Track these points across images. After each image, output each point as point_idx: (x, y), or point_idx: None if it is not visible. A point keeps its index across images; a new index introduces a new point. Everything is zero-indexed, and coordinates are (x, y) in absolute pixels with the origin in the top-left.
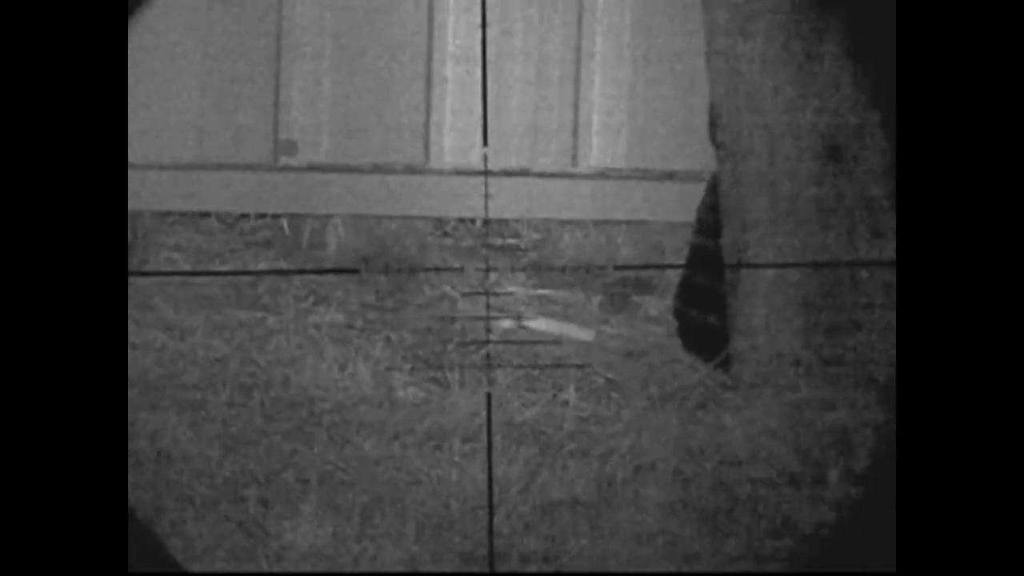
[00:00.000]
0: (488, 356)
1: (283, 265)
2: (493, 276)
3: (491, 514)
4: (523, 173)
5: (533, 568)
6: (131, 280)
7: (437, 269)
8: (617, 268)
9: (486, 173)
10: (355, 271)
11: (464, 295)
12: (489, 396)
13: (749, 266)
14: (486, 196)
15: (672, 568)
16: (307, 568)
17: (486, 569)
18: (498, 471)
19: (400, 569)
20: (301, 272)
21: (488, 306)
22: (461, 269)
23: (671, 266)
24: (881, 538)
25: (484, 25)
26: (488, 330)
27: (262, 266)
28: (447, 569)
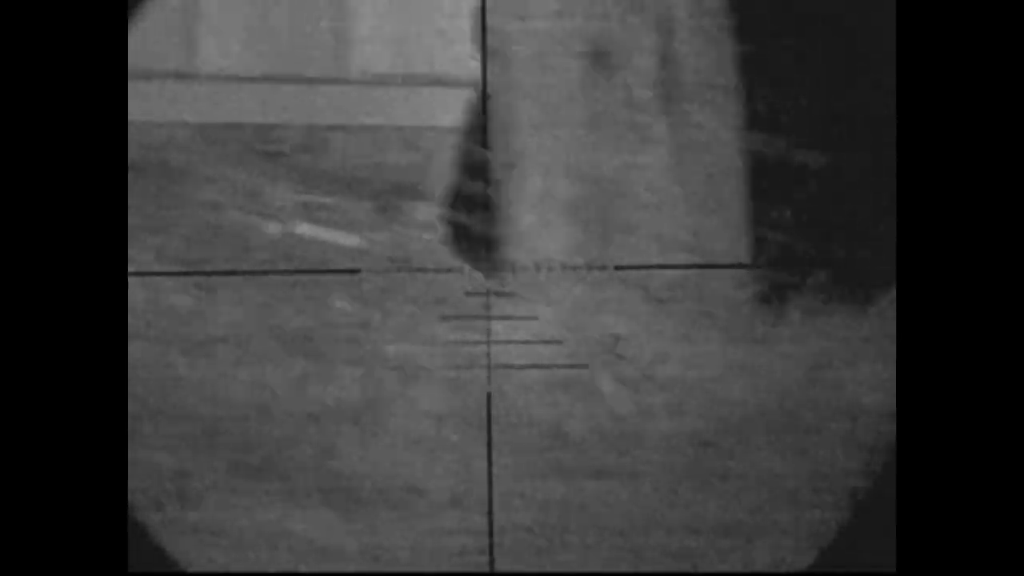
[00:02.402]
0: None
1: None
2: (259, 181)
3: (491, 514)
4: (293, 80)
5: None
6: None
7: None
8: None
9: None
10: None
11: (234, 203)
12: (489, 395)
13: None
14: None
15: (675, 568)
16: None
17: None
18: (262, 373)
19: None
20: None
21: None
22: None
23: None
24: (881, 538)
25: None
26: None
27: None
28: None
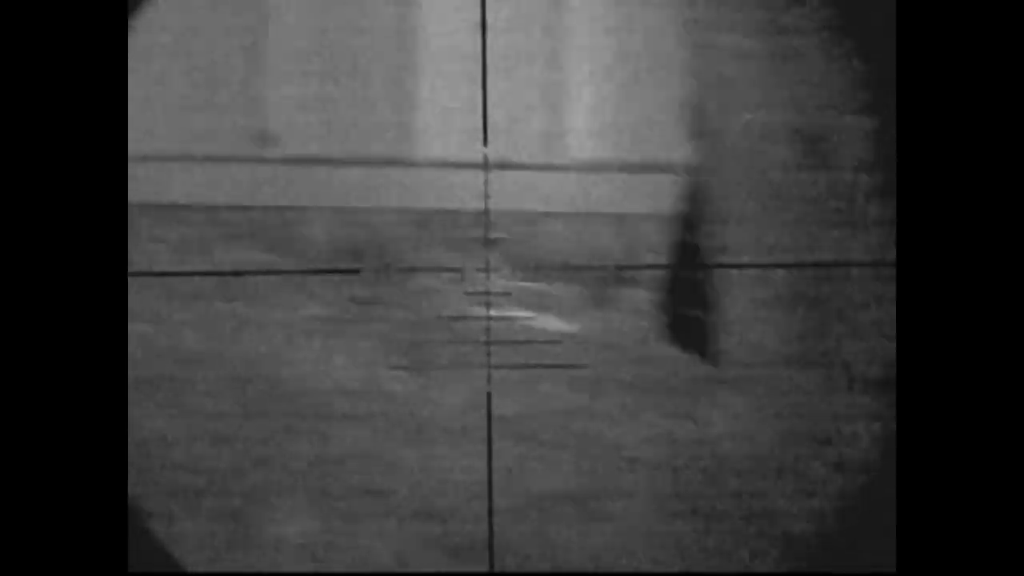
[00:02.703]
0: (487, 351)
1: (275, 260)
2: (480, 269)
3: (491, 514)
4: (505, 166)
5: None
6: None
7: (430, 269)
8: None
9: (485, 166)
10: (355, 271)
11: (453, 289)
12: (489, 395)
13: (739, 266)
14: (486, 190)
15: (674, 568)
16: (302, 566)
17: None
18: (480, 462)
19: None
20: (302, 272)
21: (475, 299)
22: (459, 269)
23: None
24: (881, 538)
25: (484, 20)
26: (483, 326)
27: (248, 260)
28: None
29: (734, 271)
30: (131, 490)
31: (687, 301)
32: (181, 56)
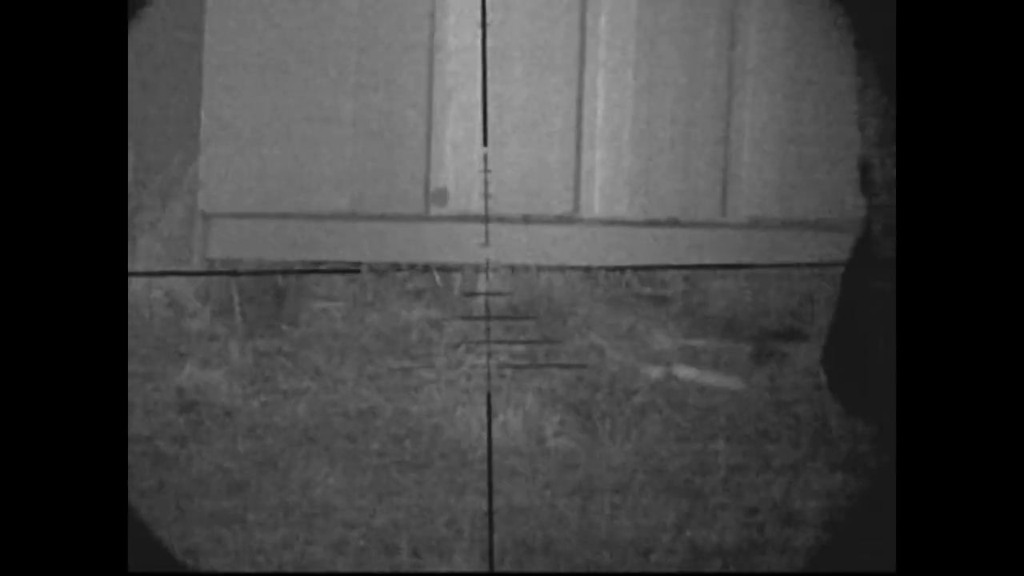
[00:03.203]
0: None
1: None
2: (642, 325)
3: (491, 514)
4: (673, 224)
5: None
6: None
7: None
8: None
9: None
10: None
11: (614, 345)
12: (489, 395)
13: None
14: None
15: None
16: None
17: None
18: (646, 520)
19: None
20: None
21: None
22: (616, 324)
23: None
24: (881, 538)
25: (484, 24)
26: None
27: (415, 315)
28: None
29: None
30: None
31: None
32: None
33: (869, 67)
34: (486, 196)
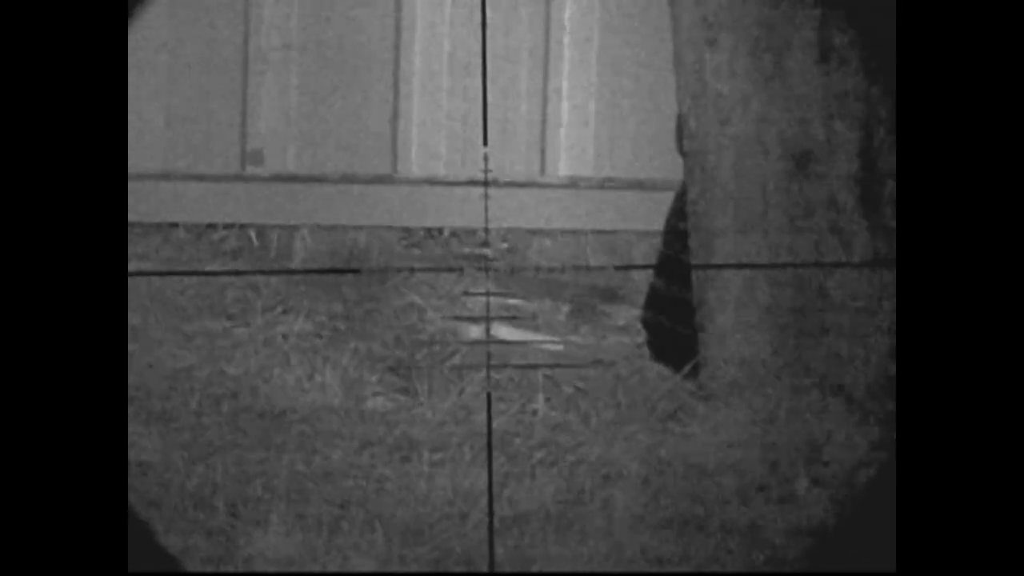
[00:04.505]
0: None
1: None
2: (462, 284)
3: (491, 514)
4: (491, 183)
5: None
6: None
7: (411, 269)
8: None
9: (486, 184)
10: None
11: (433, 306)
12: (488, 395)
13: (719, 267)
14: (486, 206)
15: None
16: None
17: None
18: (465, 482)
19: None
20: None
21: (458, 315)
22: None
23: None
24: (881, 538)
25: (484, 26)
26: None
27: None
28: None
29: (718, 283)
30: None
31: (672, 316)
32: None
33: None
34: (486, 192)
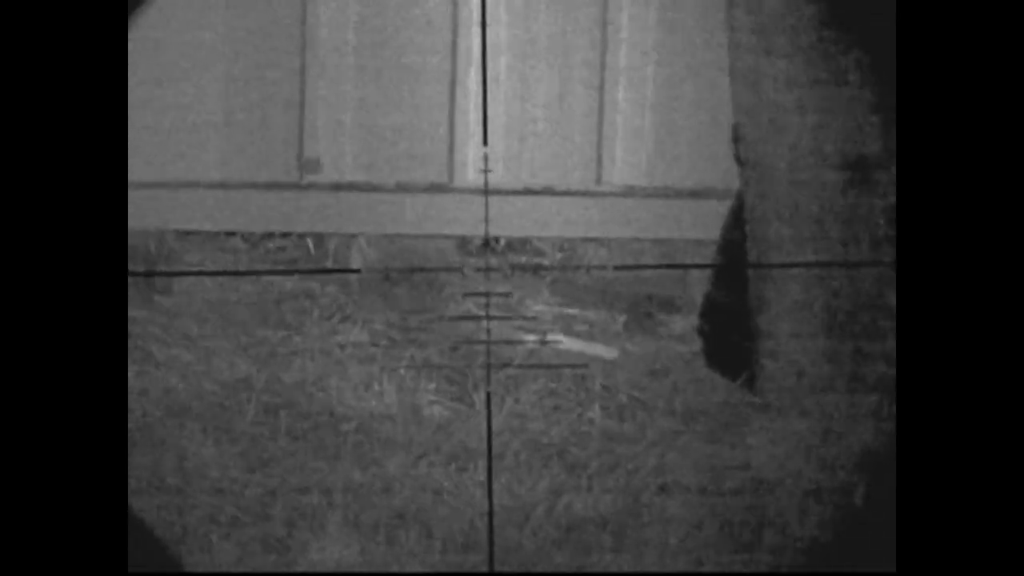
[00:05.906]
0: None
1: (310, 284)
2: (517, 295)
3: (491, 515)
4: (547, 192)
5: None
6: (155, 298)
7: (451, 268)
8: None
9: (490, 192)
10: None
11: (490, 316)
12: (488, 395)
13: (775, 266)
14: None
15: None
16: None
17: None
18: (522, 489)
19: None
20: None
21: (513, 325)
22: (485, 293)
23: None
24: (881, 538)
25: (484, 23)
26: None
27: (288, 285)
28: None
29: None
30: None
31: (728, 325)
32: None
33: (742, 37)
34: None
